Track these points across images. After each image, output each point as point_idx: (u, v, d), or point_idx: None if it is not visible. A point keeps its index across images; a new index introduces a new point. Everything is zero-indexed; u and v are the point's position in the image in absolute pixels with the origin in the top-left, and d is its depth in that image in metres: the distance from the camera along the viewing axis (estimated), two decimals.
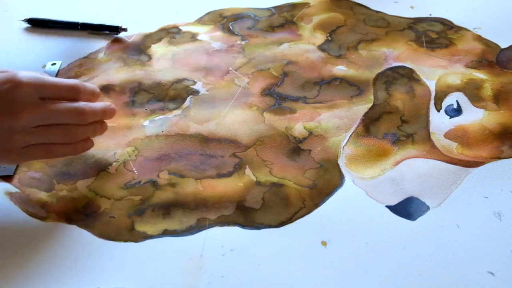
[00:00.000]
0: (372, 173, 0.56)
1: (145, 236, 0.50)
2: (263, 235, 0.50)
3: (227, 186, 0.54)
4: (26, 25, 0.75)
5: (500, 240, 0.49)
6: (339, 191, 0.54)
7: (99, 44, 0.72)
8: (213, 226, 0.51)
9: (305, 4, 0.80)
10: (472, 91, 0.64)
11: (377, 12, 0.78)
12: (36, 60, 0.66)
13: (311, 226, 0.51)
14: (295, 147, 0.58)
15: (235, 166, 0.56)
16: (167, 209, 0.52)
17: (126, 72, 0.68)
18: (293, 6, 0.80)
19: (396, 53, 0.70)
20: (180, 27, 0.75)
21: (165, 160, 0.57)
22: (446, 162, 0.57)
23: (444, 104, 0.63)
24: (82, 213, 0.52)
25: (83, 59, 0.70)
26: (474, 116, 0.61)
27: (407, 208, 0.52)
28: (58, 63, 0.68)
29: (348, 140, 0.59)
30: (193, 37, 0.73)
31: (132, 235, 0.50)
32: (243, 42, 0.73)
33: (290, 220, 0.52)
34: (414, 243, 0.49)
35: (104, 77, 0.67)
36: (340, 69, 0.68)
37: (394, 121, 0.61)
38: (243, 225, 0.51)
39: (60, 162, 0.57)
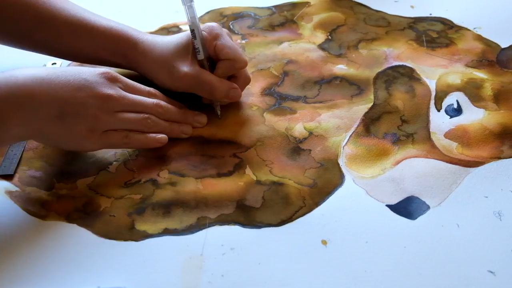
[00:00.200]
0: (373, 173, 0.56)
1: (145, 235, 0.50)
2: (263, 234, 0.50)
3: (227, 185, 0.54)
4: None
5: (500, 240, 0.50)
6: (340, 190, 0.54)
7: None
8: (213, 225, 0.51)
9: (306, 3, 0.80)
10: (472, 91, 0.64)
11: (378, 11, 0.78)
12: (36, 59, 0.66)
13: (311, 225, 0.51)
14: (295, 147, 0.58)
15: (235, 165, 0.56)
16: (167, 208, 0.52)
17: (126, 71, 0.68)
18: (294, 5, 0.79)
19: (397, 52, 0.70)
20: (180, 26, 0.75)
21: (165, 160, 0.57)
22: (446, 161, 0.57)
23: (444, 104, 0.63)
24: (82, 212, 0.52)
25: None
26: (474, 116, 0.61)
27: (407, 208, 0.52)
28: (59, 62, 0.68)
29: (348, 140, 0.59)
30: None
31: (132, 234, 0.50)
32: (243, 41, 0.73)
33: (290, 219, 0.52)
34: (414, 242, 0.49)
35: None
36: (341, 68, 0.68)
37: (394, 121, 0.61)
38: (243, 224, 0.51)
39: (60, 161, 0.57)
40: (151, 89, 0.59)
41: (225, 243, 0.50)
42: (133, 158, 0.57)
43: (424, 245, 0.49)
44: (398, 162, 0.57)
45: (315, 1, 0.80)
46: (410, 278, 0.47)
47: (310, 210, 0.52)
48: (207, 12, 0.78)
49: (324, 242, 0.50)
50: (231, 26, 0.75)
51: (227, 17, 0.77)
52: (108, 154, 0.57)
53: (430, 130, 0.60)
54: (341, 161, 0.57)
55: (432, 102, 0.63)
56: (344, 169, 0.56)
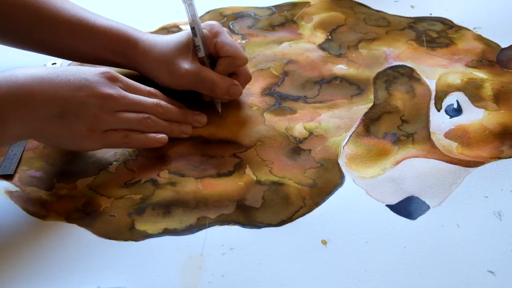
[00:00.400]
0: (373, 173, 0.56)
1: (145, 235, 0.50)
2: (263, 234, 0.50)
3: (227, 185, 0.54)
4: None
5: (500, 240, 0.50)
6: (339, 190, 0.54)
7: None
8: (213, 225, 0.51)
9: (306, 3, 0.80)
10: (472, 91, 0.64)
11: (378, 11, 0.78)
12: (36, 59, 0.66)
13: (311, 225, 0.51)
14: (295, 147, 0.58)
15: (235, 165, 0.56)
16: (167, 208, 0.52)
17: (126, 71, 0.68)
18: (294, 5, 0.80)
19: (397, 52, 0.70)
20: (180, 26, 0.75)
21: (166, 160, 0.57)
22: (446, 161, 0.57)
23: (444, 104, 0.63)
24: (82, 212, 0.52)
25: None
26: (474, 116, 0.61)
27: (407, 208, 0.52)
28: (59, 62, 0.68)
29: (348, 140, 0.59)
30: None
31: (132, 234, 0.50)
32: (243, 41, 0.73)
33: (290, 219, 0.52)
34: (414, 242, 0.49)
35: None
36: (341, 68, 0.68)
37: (394, 121, 0.61)
38: (243, 224, 0.51)
39: (60, 161, 0.57)
40: (151, 89, 0.59)
41: (225, 243, 0.50)
42: (133, 158, 0.57)
43: (424, 245, 0.49)
44: (398, 162, 0.57)
45: (315, 1, 0.80)
46: (410, 278, 0.47)
47: (310, 210, 0.52)
48: (207, 12, 0.78)
49: (324, 242, 0.50)
50: (231, 26, 0.75)
51: (227, 17, 0.77)
52: (108, 154, 0.57)
53: (430, 130, 0.60)
54: (341, 161, 0.57)
55: (432, 102, 0.63)
56: (344, 169, 0.56)
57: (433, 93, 0.64)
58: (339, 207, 0.53)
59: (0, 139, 0.51)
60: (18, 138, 0.54)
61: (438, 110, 0.62)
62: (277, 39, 0.73)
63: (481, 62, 0.68)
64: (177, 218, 0.52)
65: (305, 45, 0.72)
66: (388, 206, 0.53)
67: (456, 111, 0.62)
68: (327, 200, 0.53)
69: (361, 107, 0.62)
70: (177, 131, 0.58)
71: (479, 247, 0.49)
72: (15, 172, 0.56)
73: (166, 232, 0.50)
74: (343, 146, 0.58)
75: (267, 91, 0.65)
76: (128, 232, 0.50)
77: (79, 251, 0.49)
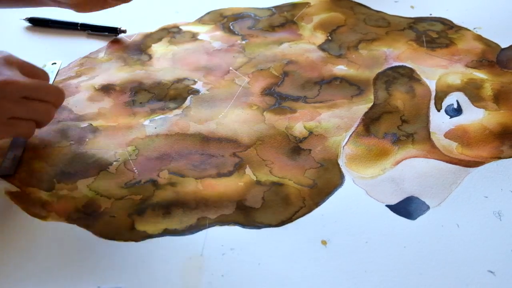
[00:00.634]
0: (372, 173, 0.56)
1: (145, 236, 0.50)
2: (263, 235, 0.50)
3: (227, 186, 0.54)
4: (27, 24, 0.75)
5: (500, 240, 0.50)
6: (339, 191, 0.54)
7: (100, 43, 0.72)
8: (213, 226, 0.51)
9: (306, 4, 0.80)
10: (472, 91, 0.64)
11: (378, 11, 0.78)
12: (37, 59, 0.66)
13: (311, 225, 0.51)
14: (295, 147, 0.58)
15: (235, 165, 0.56)
16: (167, 208, 0.53)
17: (127, 71, 0.68)
18: (294, 5, 0.80)
19: (397, 53, 0.70)
20: (180, 27, 0.75)
21: (166, 160, 0.57)
22: (446, 161, 0.57)
23: (444, 104, 0.63)
24: (82, 212, 0.52)
25: (84, 58, 0.70)
26: (474, 116, 0.61)
27: (407, 208, 0.52)
28: (59, 62, 0.68)
29: (348, 139, 0.59)
30: (194, 36, 0.73)
31: (132, 235, 0.50)
32: (243, 42, 0.73)
33: (290, 220, 0.52)
34: (414, 242, 0.49)
35: (104, 76, 0.67)
36: (341, 68, 0.68)
37: (394, 121, 0.61)
38: (243, 225, 0.51)
39: (60, 161, 0.57)
40: (43, 71, 0.58)
41: (225, 243, 0.50)
42: (133, 158, 0.57)
43: (424, 245, 0.49)
44: (398, 162, 0.57)
45: (315, 2, 0.80)
46: (410, 278, 0.47)
47: (310, 210, 0.52)
48: (208, 13, 0.78)
49: (324, 242, 0.50)
50: (231, 27, 0.75)
51: (227, 18, 0.77)
52: (108, 154, 0.57)
53: (430, 130, 0.60)
54: (341, 161, 0.57)
55: (432, 102, 0.63)
56: (344, 169, 0.56)
57: (433, 93, 0.64)
58: (339, 208, 0.53)
59: None
60: None
61: (438, 110, 0.62)
62: (277, 40, 0.73)
63: (481, 62, 0.68)
64: (177, 219, 0.52)
65: (305, 46, 0.72)
66: (388, 206, 0.53)
67: (456, 111, 0.62)
68: (327, 201, 0.53)
69: (361, 107, 0.62)
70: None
71: (479, 247, 0.49)
72: (15, 172, 0.56)
73: (166, 232, 0.51)
74: (343, 146, 0.58)
75: (267, 91, 0.65)
76: (128, 233, 0.50)
77: (79, 252, 0.49)
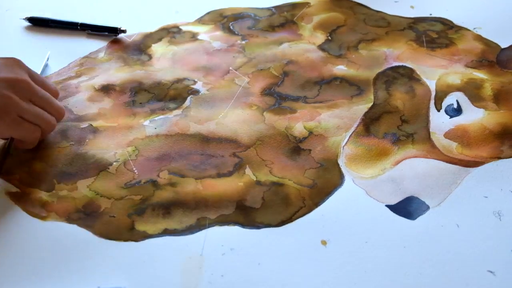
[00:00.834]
0: (372, 173, 0.56)
1: (145, 236, 0.50)
2: (263, 235, 0.50)
3: (227, 186, 0.54)
4: (27, 24, 0.75)
5: (500, 240, 0.50)
6: (339, 191, 0.54)
7: (100, 43, 0.72)
8: (213, 226, 0.51)
9: (306, 4, 0.80)
10: (472, 91, 0.64)
11: (377, 11, 0.78)
12: (37, 59, 0.66)
13: (311, 225, 0.51)
14: (295, 147, 0.58)
15: (235, 165, 0.56)
16: (167, 208, 0.53)
17: (127, 71, 0.68)
18: (294, 5, 0.79)
19: (397, 53, 0.70)
20: (180, 27, 0.75)
21: (165, 160, 0.57)
22: (446, 161, 0.57)
23: (444, 104, 0.63)
24: (82, 212, 0.52)
25: (84, 58, 0.70)
26: (474, 116, 0.61)
27: (407, 208, 0.52)
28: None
29: (348, 139, 0.59)
30: (194, 36, 0.73)
31: (132, 235, 0.50)
32: (243, 42, 0.73)
33: (290, 220, 0.52)
34: (414, 242, 0.49)
35: (104, 76, 0.67)
36: (340, 68, 0.68)
37: (394, 121, 0.61)
38: (243, 225, 0.51)
39: (60, 161, 0.57)
40: (56, 88, 0.60)
41: (225, 243, 0.50)
42: (133, 158, 0.57)
43: (424, 245, 0.49)
44: (398, 162, 0.57)
45: (315, 2, 0.80)
46: (410, 278, 0.47)
47: (310, 210, 0.52)
48: (207, 13, 0.78)
49: (324, 242, 0.50)
50: (231, 27, 0.75)
51: (227, 18, 0.77)
52: (108, 154, 0.57)
53: (430, 130, 0.60)
54: (341, 161, 0.57)
55: (432, 102, 0.63)
56: (343, 169, 0.56)
57: (433, 93, 0.64)
58: (339, 208, 0.53)
59: None
60: None
61: (438, 110, 0.62)
62: (277, 40, 0.73)
63: (481, 62, 0.68)
64: (177, 219, 0.52)
65: (305, 46, 0.72)
66: (388, 206, 0.53)
67: (456, 111, 0.62)
68: (327, 201, 0.53)
69: (361, 107, 0.62)
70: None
71: (479, 247, 0.49)
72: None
73: (166, 232, 0.51)
74: (343, 146, 0.58)
75: (267, 91, 0.65)
76: (128, 233, 0.51)
77: (79, 252, 0.49)
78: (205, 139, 0.59)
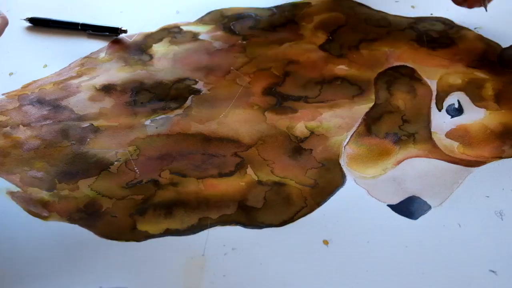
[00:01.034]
0: (374, 173, 0.56)
1: (147, 236, 0.50)
2: (264, 234, 0.50)
3: (228, 186, 0.54)
4: (27, 24, 0.75)
5: (502, 239, 0.50)
6: (341, 190, 0.54)
7: (100, 43, 0.72)
8: (215, 225, 0.51)
9: (306, 4, 0.80)
10: (474, 91, 0.64)
11: (378, 12, 0.78)
12: (37, 59, 0.67)
13: (312, 225, 0.51)
14: (297, 147, 0.58)
15: (237, 165, 0.56)
16: (169, 208, 0.53)
17: (128, 71, 0.68)
18: (295, 5, 0.79)
19: (398, 53, 0.70)
20: (181, 27, 0.75)
21: (167, 160, 0.57)
22: (448, 161, 0.57)
23: (446, 104, 0.63)
24: (83, 212, 0.52)
25: (84, 58, 0.70)
26: (475, 116, 0.61)
27: (408, 207, 0.52)
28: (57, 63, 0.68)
29: (349, 139, 0.59)
30: (194, 36, 0.73)
31: (134, 235, 0.50)
32: (244, 42, 0.73)
33: (291, 219, 0.52)
34: (415, 242, 0.49)
35: (105, 76, 0.67)
36: (342, 68, 0.68)
37: (396, 121, 0.61)
38: (244, 224, 0.51)
39: (61, 161, 0.57)
40: None
41: (226, 243, 0.50)
42: (134, 158, 0.57)
43: (425, 245, 0.49)
44: (399, 162, 0.57)
45: (316, 2, 0.80)
46: (411, 278, 0.47)
47: (311, 210, 0.52)
48: (208, 13, 0.78)
49: (325, 242, 0.50)
50: (232, 27, 0.75)
51: (228, 18, 0.77)
52: (109, 154, 0.57)
53: (431, 130, 0.60)
54: (342, 161, 0.57)
55: (433, 102, 0.63)
56: (345, 169, 0.56)
57: (434, 93, 0.64)
58: (340, 207, 0.53)
59: None
60: None
61: (439, 110, 0.62)
62: (278, 40, 0.73)
63: (482, 62, 0.68)
64: (179, 219, 0.52)
65: (306, 46, 0.72)
66: (389, 206, 0.53)
67: (457, 111, 0.62)
68: (328, 200, 0.53)
69: (363, 107, 0.62)
70: None
71: (480, 247, 0.49)
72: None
73: (168, 232, 0.51)
74: (344, 146, 0.58)
75: (268, 91, 0.65)
76: (130, 233, 0.51)
77: (80, 252, 0.49)
78: (207, 139, 0.59)
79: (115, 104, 0.63)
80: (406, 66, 0.68)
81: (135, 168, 0.56)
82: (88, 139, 0.59)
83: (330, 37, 0.74)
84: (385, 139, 0.59)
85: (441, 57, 0.69)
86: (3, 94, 0.64)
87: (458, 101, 0.63)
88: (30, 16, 0.75)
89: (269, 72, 0.68)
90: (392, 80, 0.66)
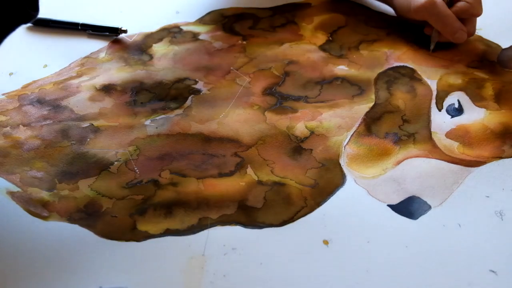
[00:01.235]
0: (374, 173, 0.56)
1: (147, 236, 0.50)
2: (265, 234, 0.50)
3: (228, 186, 0.54)
4: (28, 24, 0.75)
5: (502, 239, 0.50)
6: (341, 190, 0.54)
7: (100, 43, 0.72)
8: (215, 225, 0.51)
9: (307, 5, 0.80)
10: (474, 91, 0.64)
11: (378, 12, 0.78)
12: (37, 59, 0.67)
13: (312, 225, 0.51)
14: (297, 147, 0.58)
15: (237, 165, 0.56)
16: (169, 208, 0.53)
17: (128, 71, 0.68)
18: (295, 6, 0.80)
19: (397, 53, 0.70)
20: (181, 27, 0.75)
21: (167, 160, 0.57)
22: (448, 161, 0.57)
23: (446, 104, 0.63)
24: (83, 212, 0.52)
25: (84, 58, 0.70)
26: (475, 116, 0.61)
27: (408, 207, 0.52)
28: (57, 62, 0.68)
29: (349, 139, 0.59)
30: (194, 36, 0.73)
31: (134, 235, 0.50)
32: (244, 42, 0.73)
33: (291, 219, 0.52)
34: (415, 242, 0.49)
35: (105, 76, 0.67)
36: (341, 68, 0.68)
37: (396, 121, 0.61)
38: (245, 224, 0.51)
39: (61, 161, 0.57)
40: None
41: (226, 243, 0.50)
42: (134, 158, 0.57)
43: (425, 245, 0.49)
44: (399, 162, 0.57)
45: (316, 2, 0.80)
46: (411, 278, 0.47)
47: (311, 210, 0.52)
48: (208, 13, 0.78)
49: (325, 242, 0.50)
50: (232, 27, 0.75)
51: (228, 18, 0.77)
52: (109, 154, 0.57)
53: (431, 130, 0.60)
54: (342, 161, 0.57)
55: (433, 101, 0.63)
56: (345, 169, 0.56)
57: (434, 93, 0.64)
58: (340, 207, 0.53)
59: None
60: None
61: (439, 110, 0.62)
62: (278, 40, 0.73)
63: (482, 62, 0.68)
64: (179, 219, 0.52)
65: (306, 46, 0.72)
66: (389, 206, 0.53)
67: (457, 111, 0.62)
68: (328, 200, 0.53)
69: (362, 107, 0.62)
70: None
71: (480, 247, 0.49)
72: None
73: (168, 232, 0.50)
74: (345, 146, 0.58)
75: (268, 91, 0.65)
76: (130, 233, 0.50)
77: (80, 252, 0.49)
78: (207, 139, 0.59)
79: (115, 104, 0.63)
80: (406, 66, 0.68)
81: (135, 168, 0.56)
82: (88, 139, 0.59)
83: (330, 38, 0.74)
84: (385, 139, 0.59)
85: (441, 58, 0.69)
86: (3, 94, 0.64)
87: (458, 101, 0.63)
88: None
89: (269, 72, 0.68)
90: (392, 80, 0.66)
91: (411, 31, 0.73)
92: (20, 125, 0.60)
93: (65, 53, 0.71)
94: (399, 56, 0.70)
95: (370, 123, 0.61)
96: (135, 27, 0.73)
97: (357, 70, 0.68)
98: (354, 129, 0.60)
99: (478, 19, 0.70)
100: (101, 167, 0.56)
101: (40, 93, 0.64)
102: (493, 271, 0.47)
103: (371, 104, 0.63)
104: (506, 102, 0.62)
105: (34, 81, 0.66)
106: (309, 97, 0.64)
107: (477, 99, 0.63)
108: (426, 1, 0.66)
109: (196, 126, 0.61)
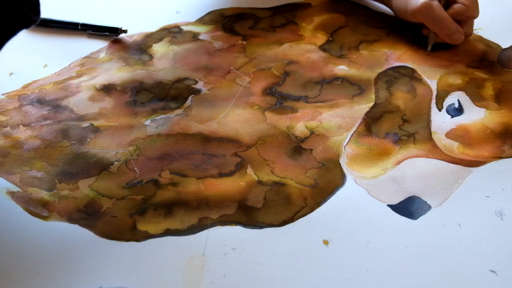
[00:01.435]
0: (374, 173, 0.56)
1: (147, 236, 0.50)
2: (265, 234, 0.50)
3: (228, 186, 0.54)
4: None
5: (502, 239, 0.50)
6: (341, 190, 0.54)
7: (100, 43, 0.72)
8: (215, 225, 0.51)
9: (307, 5, 0.80)
10: (474, 91, 0.64)
11: (378, 12, 0.78)
12: (37, 59, 0.67)
13: (312, 225, 0.51)
14: (297, 147, 0.58)
15: (237, 165, 0.56)
16: (169, 208, 0.53)
17: (128, 71, 0.68)
18: (295, 6, 0.80)
19: (397, 53, 0.70)
20: (181, 27, 0.75)
21: (167, 160, 0.57)
22: (448, 161, 0.57)
23: (446, 104, 0.63)
24: (83, 212, 0.52)
25: (84, 58, 0.70)
26: (475, 116, 0.61)
27: (408, 207, 0.52)
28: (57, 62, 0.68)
29: (349, 139, 0.59)
30: (194, 36, 0.73)
31: (134, 235, 0.50)
32: (244, 42, 0.73)
33: (291, 219, 0.52)
34: (415, 242, 0.49)
35: (105, 76, 0.67)
36: (342, 68, 0.68)
37: (396, 121, 0.61)
38: (245, 224, 0.51)
39: (61, 161, 0.57)
40: None
41: (226, 243, 0.50)
42: (134, 158, 0.57)
43: (425, 245, 0.49)
44: (399, 162, 0.57)
45: (316, 2, 0.80)
46: (411, 278, 0.47)
47: (311, 210, 0.52)
48: (208, 13, 0.78)
49: (325, 242, 0.50)
50: (232, 27, 0.75)
51: (228, 18, 0.77)
52: (109, 154, 0.57)
53: (431, 130, 0.60)
54: (342, 161, 0.57)
55: (433, 101, 0.63)
56: (345, 169, 0.56)
57: (434, 93, 0.64)
58: (340, 207, 0.53)
59: None
60: None
61: (439, 110, 0.62)
62: (278, 40, 0.73)
63: (482, 62, 0.68)
64: (179, 219, 0.52)
65: (306, 46, 0.72)
66: (389, 206, 0.53)
67: (457, 111, 0.62)
68: (328, 200, 0.53)
69: (363, 106, 0.62)
70: None
71: (481, 247, 0.49)
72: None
73: (168, 232, 0.50)
74: (345, 146, 0.58)
75: (268, 91, 0.65)
76: (130, 233, 0.50)
77: (80, 252, 0.49)
78: (207, 139, 0.59)
79: (115, 104, 0.63)
80: (406, 66, 0.68)
81: (135, 168, 0.56)
82: (88, 139, 0.59)
83: (330, 38, 0.74)
84: (385, 139, 0.59)
85: (441, 58, 0.69)
86: (3, 94, 0.64)
87: (458, 100, 0.63)
88: None
89: (269, 72, 0.68)
90: (392, 80, 0.66)
91: (411, 31, 0.73)
92: (20, 125, 0.60)
93: (65, 53, 0.71)
94: (399, 56, 0.70)
95: (370, 123, 0.61)
96: (135, 27, 0.73)
97: (357, 70, 0.68)
98: (354, 129, 0.60)
99: (478, 19, 0.70)
100: (101, 167, 0.56)
101: (40, 93, 0.64)
102: (493, 271, 0.47)
103: (371, 104, 0.63)
104: (506, 102, 0.62)
105: (34, 81, 0.66)
106: (309, 97, 0.64)
107: (477, 99, 0.63)
108: (423, 4, 0.66)
109: (196, 126, 0.61)
